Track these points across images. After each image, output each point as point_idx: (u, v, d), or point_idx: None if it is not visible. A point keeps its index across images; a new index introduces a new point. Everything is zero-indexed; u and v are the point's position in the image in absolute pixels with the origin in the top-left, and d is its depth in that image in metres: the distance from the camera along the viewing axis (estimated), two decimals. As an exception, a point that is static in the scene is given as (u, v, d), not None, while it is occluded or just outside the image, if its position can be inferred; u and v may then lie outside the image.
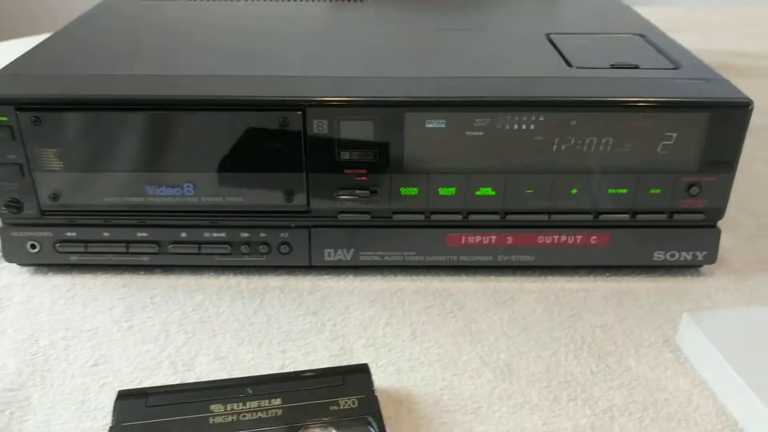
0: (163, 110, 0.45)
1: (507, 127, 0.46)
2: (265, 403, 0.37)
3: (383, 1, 0.68)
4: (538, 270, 0.51)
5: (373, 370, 0.41)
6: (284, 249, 0.49)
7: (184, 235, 0.49)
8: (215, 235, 0.49)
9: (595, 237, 0.49)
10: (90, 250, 0.49)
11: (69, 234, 0.49)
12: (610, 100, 0.46)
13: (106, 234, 0.49)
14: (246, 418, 0.36)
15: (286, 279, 0.50)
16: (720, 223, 0.49)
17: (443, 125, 0.46)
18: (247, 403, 0.37)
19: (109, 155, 0.46)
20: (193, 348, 0.44)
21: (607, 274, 0.51)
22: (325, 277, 0.50)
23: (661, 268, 0.51)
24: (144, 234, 0.49)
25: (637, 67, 0.50)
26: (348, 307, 0.47)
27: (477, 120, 0.46)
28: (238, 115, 0.45)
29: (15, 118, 0.45)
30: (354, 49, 0.54)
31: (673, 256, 0.50)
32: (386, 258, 0.50)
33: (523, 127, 0.46)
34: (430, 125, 0.46)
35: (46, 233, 0.49)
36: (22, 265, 0.50)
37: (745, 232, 0.56)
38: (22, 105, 0.45)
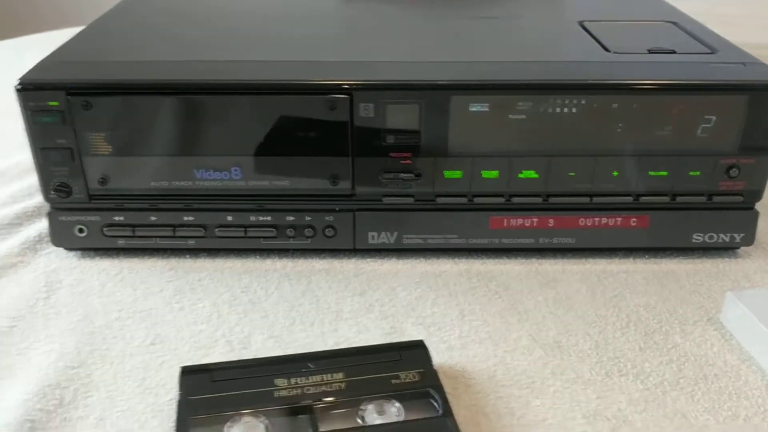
0: (211, 95, 0.45)
1: (549, 110, 0.47)
2: (327, 377, 0.38)
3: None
4: (578, 252, 0.52)
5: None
6: (329, 232, 0.50)
7: (230, 218, 0.49)
8: (261, 218, 0.49)
9: (635, 219, 0.50)
10: (137, 234, 0.50)
11: (117, 218, 0.49)
12: (650, 84, 0.47)
13: (153, 218, 0.49)
14: (310, 392, 0.37)
15: (331, 262, 0.50)
16: (758, 206, 0.50)
17: (487, 108, 0.46)
18: (310, 377, 0.38)
19: (157, 139, 0.46)
20: (246, 327, 0.44)
21: (646, 255, 0.51)
22: (369, 259, 0.51)
23: (699, 250, 0.52)
24: (190, 218, 0.49)
25: (674, 52, 0.51)
26: (394, 288, 0.48)
27: (520, 103, 0.46)
28: (286, 100, 0.46)
29: (66, 102, 0.45)
30: (393, 36, 0.55)
31: (711, 238, 0.51)
32: (429, 241, 0.50)
33: (565, 110, 0.47)
34: (474, 109, 0.46)
35: (94, 217, 0.49)
36: (70, 249, 0.51)
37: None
38: (73, 90, 0.45)
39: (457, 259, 0.51)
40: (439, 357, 0.42)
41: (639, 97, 0.46)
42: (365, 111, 0.46)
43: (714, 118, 0.47)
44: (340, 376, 0.38)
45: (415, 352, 0.40)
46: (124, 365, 0.41)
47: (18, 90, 0.45)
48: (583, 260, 0.51)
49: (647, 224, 0.50)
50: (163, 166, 0.47)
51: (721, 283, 0.49)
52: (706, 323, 0.45)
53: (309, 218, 0.50)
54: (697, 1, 1.28)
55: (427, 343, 0.43)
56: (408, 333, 0.44)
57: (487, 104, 0.46)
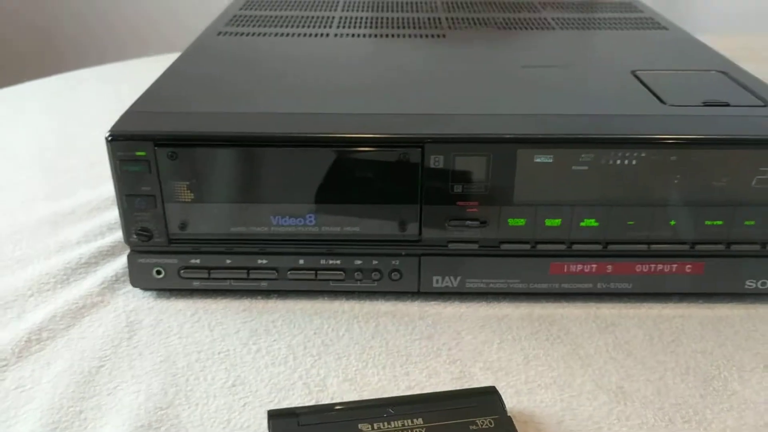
0: (288, 147, 0.48)
1: (610, 162, 0.49)
2: (408, 422, 0.40)
3: (463, 37, 0.71)
4: (634, 297, 0.53)
5: (495, 392, 0.44)
6: (395, 276, 0.52)
7: (302, 261, 0.52)
8: (331, 262, 0.52)
9: (690, 266, 0.52)
10: (213, 276, 0.52)
11: (193, 261, 0.52)
12: (707, 138, 0.49)
13: (228, 261, 0.52)
14: (393, 437, 0.39)
15: (396, 304, 0.53)
16: None
17: (551, 160, 0.49)
18: (392, 423, 0.40)
19: (237, 188, 0.49)
20: (322, 370, 0.46)
21: (700, 301, 0.53)
22: (432, 302, 0.53)
23: (751, 296, 0.54)
24: (264, 261, 0.52)
25: (728, 105, 0.53)
26: (459, 332, 0.50)
27: (582, 155, 0.49)
28: (361, 152, 0.48)
29: (153, 152, 0.48)
30: (456, 86, 0.57)
31: (764, 284, 0.52)
32: (491, 285, 0.52)
33: (626, 162, 0.49)
34: (539, 160, 0.49)
35: (172, 260, 0.52)
36: (147, 289, 0.53)
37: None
38: (160, 141, 0.48)
39: (518, 303, 0.53)
40: (508, 402, 0.44)
41: (696, 151, 0.48)
42: (435, 162, 0.48)
43: (769, 170, 0.49)
44: (419, 422, 0.40)
45: (488, 398, 0.41)
46: (209, 406, 0.43)
47: (108, 141, 0.48)
48: (639, 305, 0.53)
49: (702, 271, 0.52)
50: (242, 212, 0.50)
51: (775, 330, 0.50)
52: (762, 370, 0.47)
53: (376, 262, 0.52)
54: (737, 36, 1.31)
55: (498, 388, 0.45)
56: (476, 378, 0.46)
57: (551, 156, 0.49)
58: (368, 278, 0.52)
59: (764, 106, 0.53)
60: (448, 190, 0.49)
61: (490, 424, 0.40)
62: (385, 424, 0.40)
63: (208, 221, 0.50)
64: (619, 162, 0.49)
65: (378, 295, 0.53)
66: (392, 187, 0.49)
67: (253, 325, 0.50)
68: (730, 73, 0.59)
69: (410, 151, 0.48)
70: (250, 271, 0.52)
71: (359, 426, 0.39)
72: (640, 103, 0.53)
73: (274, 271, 0.52)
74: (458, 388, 0.45)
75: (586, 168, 0.49)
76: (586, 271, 0.52)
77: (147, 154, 0.48)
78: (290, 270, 0.52)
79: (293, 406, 0.43)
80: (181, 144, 0.48)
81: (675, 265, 0.52)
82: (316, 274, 0.52)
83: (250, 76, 0.59)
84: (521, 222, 0.50)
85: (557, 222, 0.50)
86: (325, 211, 0.50)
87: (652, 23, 0.76)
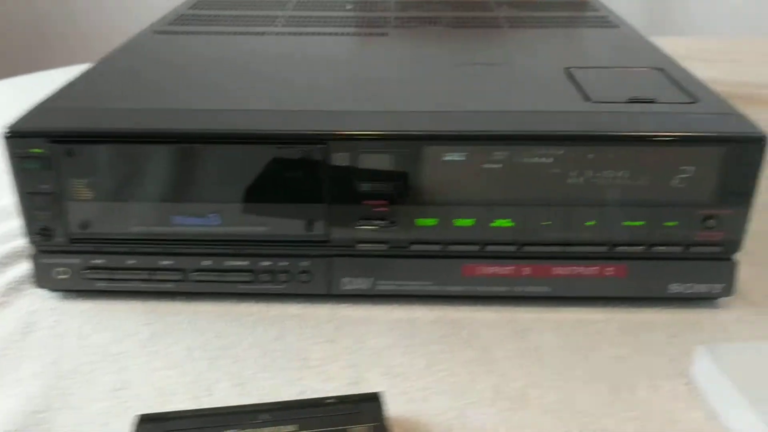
0: (190, 143, 0.46)
1: (524, 160, 0.47)
2: (281, 428, 0.38)
3: (405, 35, 0.69)
4: (555, 300, 0.51)
5: (387, 399, 0.42)
6: (304, 277, 0.50)
7: (207, 263, 0.50)
8: (237, 263, 0.50)
9: (611, 268, 0.50)
10: (115, 276, 0.51)
11: (96, 261, 0.50)
12: (625, 135, 0.47)
13: (131, 261, 0.50)
14: (261, 444, 0.37)
15: (306, 307, 0.51)
16: (745, 256, 0.49)
17: (462, 158, 0.47)
18: (263, 429, 0.38)
19: (137, 186, 0.48)
20: (215, 374, 0.45)
21: (624, 305, 0.51)
22: (344, 305, 0.51)
23: (678, 300, 0.51)
24: (168, 262, 0.50)
25: (654, 101, 0.50)
26: (364, 335, 0.48)
27: (495, 153, 0.47)
28: (264, 149, 0.47)
29: (49, 149, 0.47)
30: (374, 84, 0.55)
31: (689, 288, 0.50)
32: (403, 287, 0.51)
33: (541, 160, 0.47)
34: (449, 158, 0.47)
35: (75, 260, 0.50)
36: (53, 290, 0.52)
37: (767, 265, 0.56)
38: (56, 138, 0.47)
39: (432, 306, 0.51)
40: (399, 408, 0.42)
41: (613, 148, 0.46)
42: (340, 160, 0.47)
43: (690, 169, 0.47)
44: (293, 428, 0.38)
45: (370, 405, 0.40)
46: (88, 410, 0.42)
47: (5, 137, 0.46)
48: (559, 309, 0.51)
49: (624, 274, 0.50)
50: (142, 212, 0.48)
51: (698, 335, 0.48)
52: (676, 377, 0.44)
53: (284, 263, 0.50)
54: (709, 37, 1.28)
55: (390, 395, 0.43)
56: (372, 383, 0.44)
57: (463, 153, 0.47)
58: (276, 280, 0.50)
59: (692, 103, 0.50)
60: (354, 188, 0.47)
61: (366, 431, 0.38)
62: (256, 430, 0.38)
63: (109, 220, 0.49)
64: (533, 160, 0.47)
65: (288, 297, 0.52)
66: (297, 186, 0.47)
67: (155, 327, 0.49)
68: (667, 70, 0.57)
69: (313, 148, 0.46)
70: (154, 272, 0.50)
71: (228, 432, 0.38)
72: (563, 99, 0.51)
73: (179, 273, 0.50)
74: (352, 393, 0.43)
75: (499, 166, 0.47)
76: (500, 273, 0.50)
77: (44, 151, 0.47)
78: (195, 271, 0.50)
79: (176, 410, 0.41)
80: (77, 141, 0.47)
81: (595, 268, 0.50)
82: (222, 276, 0.50)
83: (168, 73, 0.58)
84: (432, 222, 0.48)
85: (469, 222, 0.48)
86: (229, 210, 0.48)
87: (604, 21, 0.74)
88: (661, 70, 0.57)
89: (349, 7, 0.80)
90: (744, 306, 0.51)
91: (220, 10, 0.78)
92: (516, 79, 0.57)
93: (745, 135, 0.46)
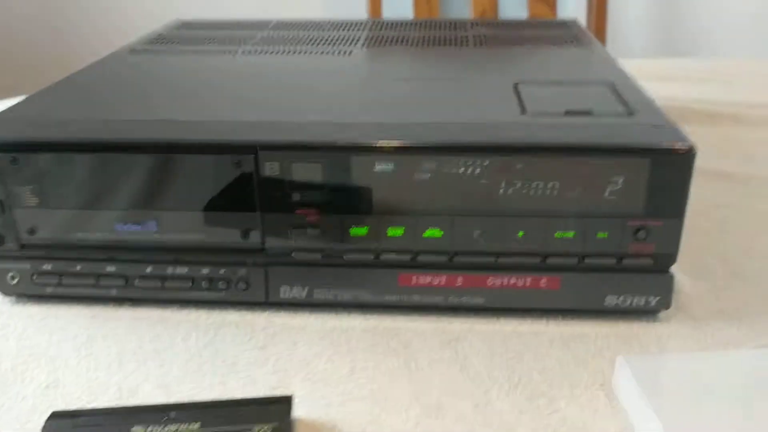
0: (123, 153, 0.48)
1: (453, 170, 0.47)
2: (183, 426, 0.39)
3: (368, 53, 0.70)
4: (491, 312, 0.51)
5: (305, 403, 0.43)
6: (242, 285, 0.51)
7: (149, 270, 0.52)
8: (178, 270, 0.51)
9: (544, 280, 0.50)
10: (63, 282, 0.52)
11: (45, 267, 0.52)
12: (549, 145, 0.47)
13: (78, 267, 0.52)
14: (162, 441, 0.38)
15: (244, 314, 0.52)
16: (691, 270, 0.49)
17: (391, 168, 0.47)
18: (167, 427, 0.39)
19: (78, 193, 0.49)
20: (141, 376, 0.46)
21: (561, 317, 0.51)
22: (282, 313, 0.52)
23: (617, 313, 0.51)
24: (113, 268, 0.52)
25: (590, 114, 0.51)
26: (296, 342, 0.49)
27: (424, 164, 0.47)
28: (196, 158, 0.48)
29: (-4, 158, 0.49)
30: (316, 97, 0.57)
31: (625, 301, 0.50)
32: (339, 297, 0.51)
33: (469, 171, 0.47)
34: (379, 168, 0.48)
35: (25, 265, 0.52)
36: (5, 295, 0.54)
37: (715, 280, 0.55)
38: (1, 147, 0.49)
39: (368, 316, 0.51)
40: (315, 413, 0.42)
41: (540, 158, 0.47)
42: (271, 169, 0.48)
43: (620, 180, 0.47)
44: (195, 427, 0.39)
45: (278, 407, 0.40)
46: (14, 408, 0.43)
47: (-46, 146, 0.49)
48: (495, 320, 0.51)
49: (558, 286, 0.50)
50: (85, 218, 0.50)
51: (629, 348, 0.48)
52: (597, 389, 0.44)
53: (223, 271, 0.51)
54: (706, 59, 1.27)
55: (309, 399, 0.44)
56: (293, 388, 0.45)
57: (392, 164, 0.47)
58: (215, 288, 0.52)
59: (628, 115, 0.50)
60: (287, 197, 0.48)
61: (267, 431, 0.38)
62: (160, 428, 0.39)
63: (54, 227, 0.51)
64: (462, 170, 0.47)
65: (228, 305, 0.53)
66: (231, 195, 0.49)
67: (93, 332, 0.50)
68: (617, 84, 0.57)
69: (244, 158, 0.48)
70: (99, 278, 0.52)
71: (132, 429, 0.39)
72: (500, 112, 0.52)
73: (123, 279, 0.52)
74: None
75: (428, 176, 0.48)
76: (435, 283, 0.50)
77: (-9, 160, 0.49)
78: (138, 278, 0.52)
79: (86, 408, 0.43)
80: (20, 149, 0.49)
81: (529, 279, 0.50)
82: (163, 283, 0.52)
83: (123, 89, 0.60)
84: (363, 231, 0.49)
85: (400, 232, 0.49)
86: (166, 218, 0.50)
87: (574, 41, 0.74)
88: (609, 85, 0.57)
89: (328, 27, 0.82)
90: (684, 320, 0.50)
91: (202, 30, 0.80)
92: (461, 93, 0.57)
93: (672, 146, 0.46)
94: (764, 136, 0.82)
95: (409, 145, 0.47)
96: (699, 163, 0.75)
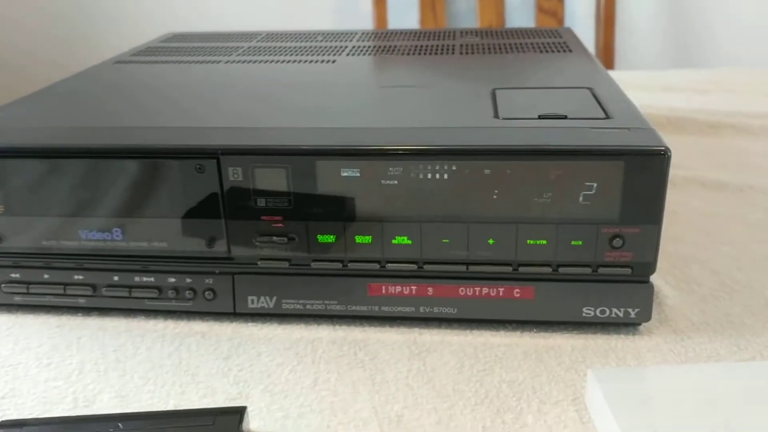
0: (85, 159, 0.47)
1: (420, 176, 0.46)
2: (129, 438, 0.38)
3: (353, 62, 0.70)
4: (464, 323, 0.50)
5: (262, 415, 0.42)
6: (209, 295, 0.50)
7: (116, 278, 0.51)
8: (145, 279, 0.51)
9: (518, 290, 0.48)
10: (31, 291, 0.51)
11: (13, 275, 0.51)
12: (517, 147, 0.45)
13: (46, 276, 0.51)
14: (106, 452, 0.37)
15: (211, 325, 0.51)
16: (677, 281, 0.47)
17: (358, 174, 0.46)
18: (112, 438, 0.38)
19: (43, 201, 0.49)
20: (100, 386, 0.45)
21: (535, 329, 0.49)
22: (250, 324, 0.51)
23: (596, 326, 0.49)
24: (80, 277, 0.51)
25: (565, 118, 0.49)
26: (260, 353, 0.47)
27: (391, 169, 0.46)
28: (158, 163, 0.47)
29: (-39, 165, 0.48)
30: (288, 104, 0.56)
31: (603, 312, 0.48)
32: (308, 306, 0.50)
33: (437, 176, 0.46)
34: (345, 174, 0.46)
35: (-6, 274, 0.52)
36: (-25, 304, 0.53)
37: (700, 292, 0.53)
38: (-38, 154, 0.48)
39: (337, 326, 0.50)
40: (271, 425, 0.41)
41: (509, 162, 0.45)
42: (234, 175, 0.47)
43: (594, 185, 0.45)
44: (142, 437, 0.38)
45: (231, 418, 0.39)
46: (-33, 417, 0.42)
47: None
48: (468, 331, 0.49)
49: (533, 296, 0.48)
50: (51, 226, 0.49)
51: (605, 361, 0.46)
52: (568, 403, 0.42)
53: (189, 280, 0.50)
54: (707, 69, 1.24)
55: (267, 410, 0.42)
56: (252, 399, 0.43)
57: (358, 169, 0.46)
58: (182, 297, 0.51)
59: (604, 119, 0.49)
60: (251, 203, 0.47)
61: (214, 443, 0.37)
62: (106, 438, 0.38)
63: (22, 235, 0.50)
64: (429, 176, 0.46)
65: (197, 315, 0.51)
66: (194, 201, 0.48)
67: (57, 341, 0.49)
68: (596, 89, 0.55)
69: (206, 162, 0.47)
70: (67, 287, 0.51)
71: (78, 439, 0.38)
72: (473, 117, 0.51)
73: (91, 288, 0.51)
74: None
75: (395, 182, 0.46)
76: (405, 293, 0.49)
77: (-43, 166, 0.49)
78: (106, 287, 0.51)
79: (34, 417, 0.42)
80: (-17, 156, 0.48)
81: (502, 289, 0.48)
82: (130, 292, 0.51)
83: (97, 97, 0.60)
84: (331, 239, 0.48)
85: (368, 239, 0.48)
86: (130, 225, 0.49)
87: (561, 47, 0.72)
88: (589, 89, 0.55)
89: (320, 38, 0.81)
90: (666, 333, 0.48)
91: (192, 42, 0.80)
92: (437, 99, 0.56)
93: (644, 148, 0.44)
94: (763, 146, 0.79)
95: (373, 149, 0.46)
96: (695, 172, 0.73)
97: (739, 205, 0.65)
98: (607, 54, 1.49)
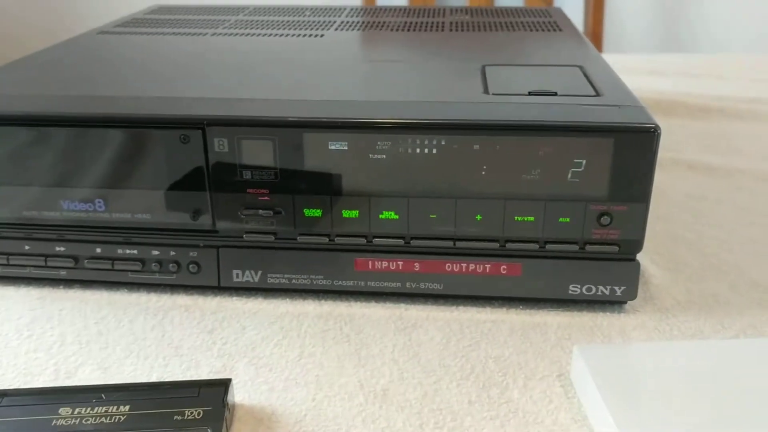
0: (69, 128, 0.47)
1: (409, 150, 0.45)
2: (112, 409, 0.37)
3: (341, 37, 0.69)
4: (450, 299, 0.49)
5: (247, 387, 0.41)
6: (193, 268, 0.50)
7: (98, 250, 0.50)
8: (128, 251, 0.50)
9: (505, 267, 0.48)
10: (12, 262, 0.51)
11: (-7, 246, 0.51)
12: (506, 123, 0.45)
13: (27, 247, 0.50)
14: (88, 422, 0.36)
15: (195, 298, 0.50)
16: (665, 261, 0.47)
17: (345, 147, 0.46)
18: (95, 408, 0.37)
19: (24, 170, 0.48)
20: (82, 357, 0.44)
21: (521, 306, 0.49)
22: (234, 298, 0.50)
23: (582, 303, 0.49)
24: (62, 248, 0.50)
25: (555, 94, 0.49)
26: (245, 327, 0.47)
27: (379, 143, 0.46)
28: (141, 133, 0.46)
29: (-60, 132, 0.47)
30: (273, 76, 0.55)
31: (589, 290, 0.48)
32: (294, 281, 0.49)
33: (425, 150, 0.45)
34: (333, 147, 0.46)
35: (-25, 245, 0.51)
36: (-45, 275, 0.52)
37: (687, 272, 0.53)
38: (-56, 121, 0.47)
39: (323, 301, 0.50)
40: (256, 398, 0.41)
41: (498, 138, 0.45)
42: (220, 146, 0.46)
43: (582, 161, 0.45)
44: (125, 409, 0.37)
45: (213, 390, 0.38)
46: (-54, 387, 0.42)
47: None
48: (453, 307, 0.49)
49: (519, 272, 0.48)
50: (32, 196, 0.49)
51: (591, 338, 0.46)
52: (554, 379, 0.42)
53: (173, 253, 0.50)
54: (697, 54, 1.24)
55: (252, 384, 0.42)
56: (237, 372, 0.43)
57: (345, 143, 0.46)
58: (166, 270, 0.50)
59: (594, 96, 0.48)
60: (236, 176, 0.47)
61: (198, 415, 0.37)
62: (88, 409, 0.37)
63: (1, 205, 0.49)
64: (417, 150, 0.45)
65: (181, 288, 0.51)
66: (179, 173, 0.47)
67: (38, 313, 0.49)
68: (585, 67, 0.55)
69: (191, 132, 0.46)
70: (48, 259, 0.50)
71: (59, 410, 0.37)
72: (462, 92, 0.50)
73: (72, 260, 0.50)
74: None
75: (383, 156, 0.46)
76: (392, 268, 0.49)
77: (-63, 134, 0.48)
78: (88, 259, 0.50)
79: (14, 387, 0.41)
80: (-36, 124, 0.47)
81: (488, 266, 0.48)
82: (113, 264, 0.50)
83: (80, 66, 0.59)
84: (317, 213, 0.47)
85: (355, 213, 0.47)
86: (113, 196, 0.48)
87: (551, 26, 0.72)
88: (579, 67, 0.55)
89: (308, 12, 0.80)
90: (651, 311, 0.48)
91: (177, 15, 0.79)
92: (427, 75, 0.55)
93: (633, 125, 0.44)
94: (751, 130, 0.80)
95: (361, 121, 0.45)
96: (683, 155, 0.73)
97: (727, 188, 0.65)
98: (596, 37, 1.49)
